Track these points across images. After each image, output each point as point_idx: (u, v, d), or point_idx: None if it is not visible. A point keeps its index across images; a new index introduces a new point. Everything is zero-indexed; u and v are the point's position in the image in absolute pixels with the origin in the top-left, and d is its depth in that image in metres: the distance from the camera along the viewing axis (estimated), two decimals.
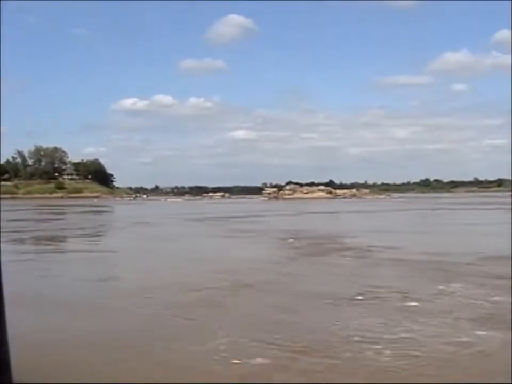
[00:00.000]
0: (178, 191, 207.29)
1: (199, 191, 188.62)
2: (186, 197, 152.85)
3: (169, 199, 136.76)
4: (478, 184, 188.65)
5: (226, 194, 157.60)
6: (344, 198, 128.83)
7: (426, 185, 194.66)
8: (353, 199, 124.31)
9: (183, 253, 20.81)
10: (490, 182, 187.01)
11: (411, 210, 56.67)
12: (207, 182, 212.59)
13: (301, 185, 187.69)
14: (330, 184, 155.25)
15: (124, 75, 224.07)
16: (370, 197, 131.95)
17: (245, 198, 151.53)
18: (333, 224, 39.43)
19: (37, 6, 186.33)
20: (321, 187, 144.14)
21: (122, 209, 79.38)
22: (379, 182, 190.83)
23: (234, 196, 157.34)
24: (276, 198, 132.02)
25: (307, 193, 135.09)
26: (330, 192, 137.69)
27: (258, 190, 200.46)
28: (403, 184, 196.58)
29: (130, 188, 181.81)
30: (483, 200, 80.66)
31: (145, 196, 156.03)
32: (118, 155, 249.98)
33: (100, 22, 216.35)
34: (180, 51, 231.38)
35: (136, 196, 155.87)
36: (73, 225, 37.69)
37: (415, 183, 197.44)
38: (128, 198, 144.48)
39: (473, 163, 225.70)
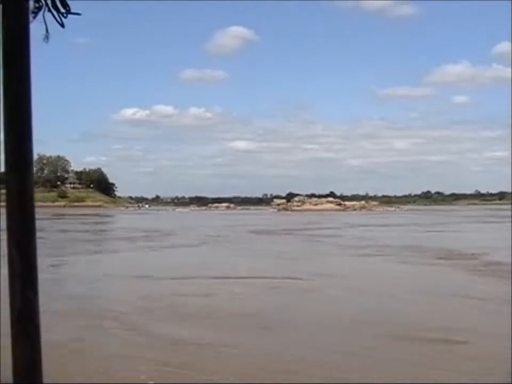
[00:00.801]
0: (179, 201, 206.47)
1: (199, 201, 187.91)
2: (192, 207, 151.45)
3: (177, 210, 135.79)
4: (479, 197, 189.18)
5: (232, 205, 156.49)
6: (354, 210, 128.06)
7: (427, 197, 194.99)
8: (363, 211, 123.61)
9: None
10: (492, 194, 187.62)
11: (465, 223, 54.28)
12: (207, 193, 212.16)
13: (302, 196, 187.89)
14: (331, 195, 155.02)
15: (125, 85, 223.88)
16: (380, 209, 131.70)
17: (249, 209, 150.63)
18: (448, 238, 36.10)
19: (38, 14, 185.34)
20: (330, 199, 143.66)
21: (146, 220, 73.49)
22: (380, 194, 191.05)
23: (239, 207, 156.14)
24: (285, 209, 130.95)
25: (316, 205, 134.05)
26: (339, 204, 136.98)
27: (258, 201, 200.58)
28: (404, 196, 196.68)
29: (130, 197, 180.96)
30: (503, 213, 79.50)
31: (147, 206, 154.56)
32: (119, 164, 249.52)
33: (102, 31, 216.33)
34: (181, 61, 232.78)
35: (139, 206, 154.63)
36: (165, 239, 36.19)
37: (416, 195, 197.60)
38: (133, 208, 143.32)
39: (473, 175, 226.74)
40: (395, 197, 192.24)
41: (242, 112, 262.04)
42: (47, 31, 3.15)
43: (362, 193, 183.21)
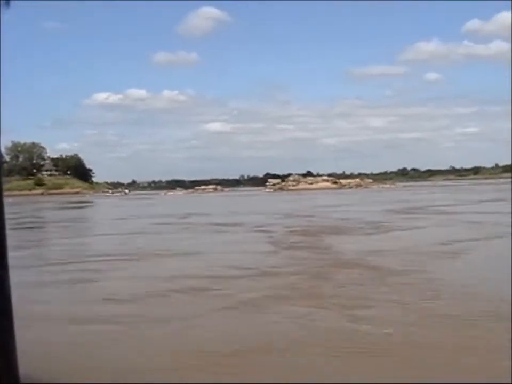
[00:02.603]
0: (156, 185, 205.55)
1: (177, 184, 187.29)
2: (178, 190, 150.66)
3: (168, 193, 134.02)
4: (454, 172, 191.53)
5: (218, 187, 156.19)
6: (350, 187, 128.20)
7: (403, 174, 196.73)
8: (359, 189, 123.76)
9: None
10: (466, 170, 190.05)
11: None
12: (184, 176, 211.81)
13: (279, 176, 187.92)
14: (308, 174, 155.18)
15: (96, 69, 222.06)
16: (375, 186, 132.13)
17: (238, 190, 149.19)
18: None
19: None
20: (325, 177, 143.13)
21: (166, 205, 67.59)
22: (356, 172, 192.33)
23: (227, 189, 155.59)
24: (282, 189, 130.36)
25: (311, 184, 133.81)
26: (335, 182, 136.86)
27: (236, 183, 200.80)
28: (380, 173, 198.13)
29: (106, 183, 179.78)
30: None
31: (126, 191, 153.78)
32: (92, 150, 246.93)
33: (72, 15, 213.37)
34: (153, 44, 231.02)
35: (120, 191, 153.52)
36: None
37: (392, 173, 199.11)
38: (119, 193, 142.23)
39: (447, 151, 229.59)
40: (372, 174, 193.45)
41: (217, 94, 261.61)
42: None
43: (339, 171, 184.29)
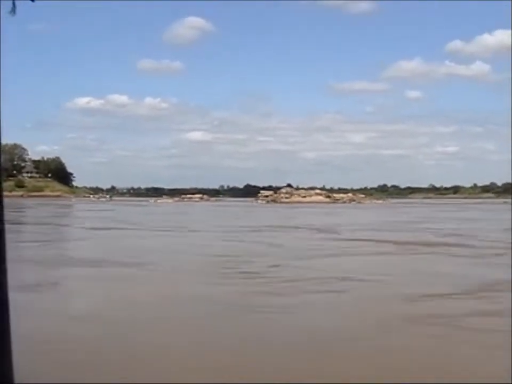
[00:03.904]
0: (135, 192, 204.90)
1: (156, 192, 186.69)
2: (165, 198, 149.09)
3: (158, 201, 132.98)
4: (434, 190, 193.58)
5: (205, 197, 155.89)
6: (344, 202, 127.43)
7: (383, 190, 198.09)
8: (352, 203, 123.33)
9: None
10: (446, 188, 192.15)
11: None
12: (163, 184, 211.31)
13: (259, 188, 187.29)
14: (288, 187, 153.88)
15: (79, 73, 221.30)
16: (368, 202, 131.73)
17: (224, 200, 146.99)
18: None
19: None
20: (318, 191, 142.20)
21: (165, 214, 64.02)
22: (336, 187, 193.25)
23: (212, 199, 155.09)
24: (274, 201, 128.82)
25: (305, 197, 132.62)
26: (328, 196, 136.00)
27: (215, 193, 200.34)
28: (361, 189, 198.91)
29: (85, 187, 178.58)
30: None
31: (108, 197, 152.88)
32: (72, 154, 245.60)
33: (58, 18, 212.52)
34: (137, 51, 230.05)
35: (102, 197, 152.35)
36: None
37: (372, 188, 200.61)
38: (104, 199, 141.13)
39: (427, 169, 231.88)
40: (352, 189, 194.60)
41: (199, 103, 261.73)
42: (14, 4, 3.89)
43: (319, 185, 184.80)
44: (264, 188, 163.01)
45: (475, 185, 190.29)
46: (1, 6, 3.99)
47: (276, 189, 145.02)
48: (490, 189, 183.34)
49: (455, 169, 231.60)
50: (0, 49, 3.99)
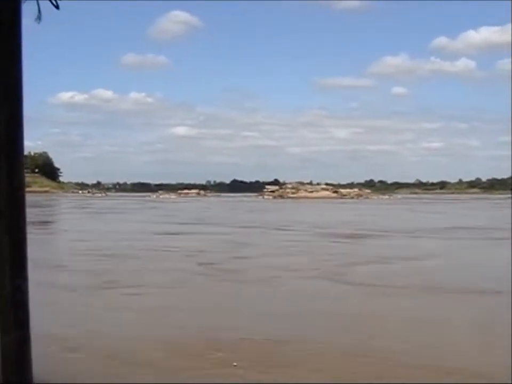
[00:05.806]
0: (120, 187, 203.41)
1: (142, 187, 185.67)
2: (161, 193, 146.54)
3: (161, 196, 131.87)
4: (421, 186, 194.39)
5: (201, 192, 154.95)
6: (351, 198, 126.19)
7: (370, 186, 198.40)
8: (360, 199, 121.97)
9: None
10: (433, 184, 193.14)
11: None
12: (149, 179, 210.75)
13: (246, 183, 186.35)
14: (275, 183, 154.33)
15: (61, 67, 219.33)
16: (375, 197, 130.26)
17: (220, 195, 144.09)
18: None
19: None
20: (324, 186, 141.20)
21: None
22: (323, 182, 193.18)
23: (210, 194, 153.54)
24: (281, 196, 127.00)
25: (311, 192, 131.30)
26: (335, 192, 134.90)
27: (202, 188, 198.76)
28: (347, 184, 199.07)
29: (71, 183, 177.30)
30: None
31: (99, 194, 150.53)
32: (56, 149, 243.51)
33: (41, 11, 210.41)
34: (122, 46, 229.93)
35: (89, 192, 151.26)
36: None
37: (359, 184, 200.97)
38: (99, 194, 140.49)
39: (413, 165, 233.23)
40: (339, 184, 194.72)
41: (185, 98, 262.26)
42: (39, 11, 4.09)
43: (306, 180, 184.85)
44: (251, 183, 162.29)
45: (460, 180, 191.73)
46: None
47: (277, 184, 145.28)
48: (476, 185, 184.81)
49: (440, 165, 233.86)
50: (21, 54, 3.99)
